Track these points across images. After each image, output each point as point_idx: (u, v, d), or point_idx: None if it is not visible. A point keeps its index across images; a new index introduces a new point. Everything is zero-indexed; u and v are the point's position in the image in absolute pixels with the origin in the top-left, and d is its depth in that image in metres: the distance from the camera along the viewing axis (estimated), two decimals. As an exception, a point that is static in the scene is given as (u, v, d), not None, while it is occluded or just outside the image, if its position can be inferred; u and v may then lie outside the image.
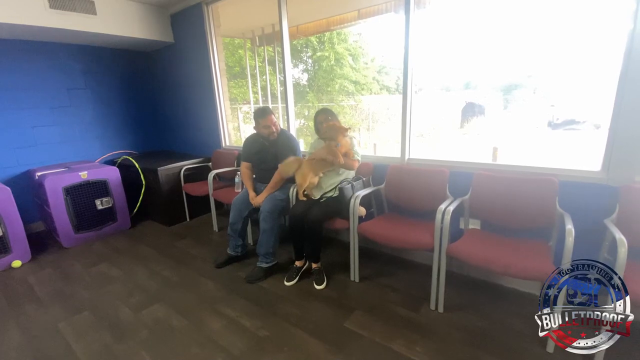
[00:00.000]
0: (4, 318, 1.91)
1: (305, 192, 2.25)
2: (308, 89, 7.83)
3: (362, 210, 2.03)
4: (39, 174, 2.86)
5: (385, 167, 2.26)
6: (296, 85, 7.89)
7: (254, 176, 2.52)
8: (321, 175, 2.20)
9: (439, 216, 1.68)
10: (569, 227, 1.41)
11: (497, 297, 1.88)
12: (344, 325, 1.72)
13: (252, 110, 6.58)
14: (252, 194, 2.34)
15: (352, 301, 1.92)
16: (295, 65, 7.69)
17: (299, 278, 2.16)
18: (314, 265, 2.16)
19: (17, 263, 2.52)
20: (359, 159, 2.13)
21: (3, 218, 2.44)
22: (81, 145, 3.58)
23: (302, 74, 7.93)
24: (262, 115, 2.26)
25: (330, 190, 2.17)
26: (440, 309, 1.77)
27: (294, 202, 2.28)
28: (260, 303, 1.94)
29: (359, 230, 1.99)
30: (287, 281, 2.12)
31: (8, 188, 2.47)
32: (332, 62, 7.06)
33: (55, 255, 2.72)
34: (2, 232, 2.45)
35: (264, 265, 2.21)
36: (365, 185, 2.22)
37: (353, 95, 7.88)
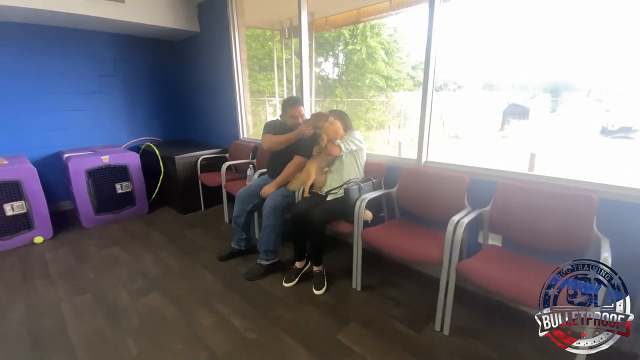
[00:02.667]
0: (15, 291, 2.01)
1: (313, 190, 2.15)
2: (337, 84, 7.66)
3: (368, 215, 1.88)
4: (66, 155, 3.00)
5: (399, 169, 2.09)
6: (326, 79, 7.76)
7: (265, 169, 2.45)
8: (326, 169, 2.08)
9: (450, 228, 1.49)
10: (605, 255, 1.18)
11: (515, 324, 1.66)
12: (337, 337, 1.60)
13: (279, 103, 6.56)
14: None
15: (350, 311, 1.79)
16: (326, 59, 7.57)
17: (298, 280, 2.06)
18: (315, 268, 2.05)
19: (39, 239, 2.65)
20: (341, 145, 1.94)
21: (28, 196, 2.57)
22: (109, 130, 3.72)
23: (333, 67, 7.79)
24: (291, 104, 2.19)
25: (336, 188, 2.04)
26: (446, 331, 1.59)
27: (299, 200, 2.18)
28: (255, 303, 1.87)
29: (363, 236, 1.85)
30: (286, 282, 2.03)
31: (34, 168, 2.60)
32: (364, 56, 6.83)
33: (74, 234, 2.85)
34: (27, 209, 2.58)
35: (264, 262, 2.14)
36: (375, 187, 2.07)
37: (385, 92, 7.59)
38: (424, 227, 1.94)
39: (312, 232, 1.92)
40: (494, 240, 1.78)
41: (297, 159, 2.19)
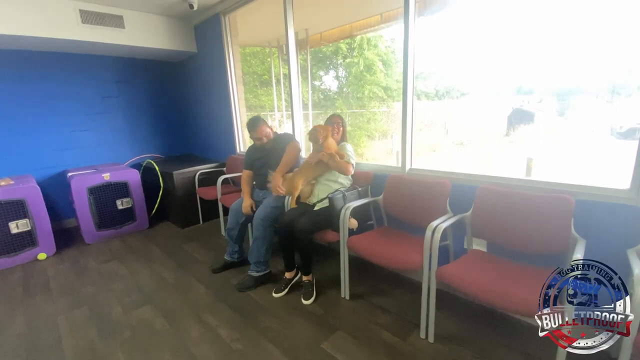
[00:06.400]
0: (16, 306, 2.08)
1: (300, 200, 2.19)
2: (338, 96, 7.78)
3: (353, 223, 1.90)
4: (69, 174, 3.12)
5: (385, 177, 2.11)
6: (327, 92, 7.90)
7: (254, 182, 2.51)
8: (313, 182, 2.12)
9: (428, 233, 1.50)
10: (578, 256, 1.18)
11: (503, 330, 1.64)
12: (321, 346, 1.60)
13: (285, 118, 6.68)
14: (247, 201, 2.31)
15: (337, 320, 1.79)
16: (327, 73, 7.74)
17: (289, 290, 2.08)
18: (304, 278, 2.07)
19: (42, 255, 2.75)
20: (353, 163, 2.01)
21: (33, 214, 2.68)
22: (113, 148, 3.86)
23: (333, 80, 7.94)
24: (252, 127, 2.28)
25: (324, 198, 2.08)
26: (431, 339, 1.58)
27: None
28: (243, 313, 1.89)
29: (349, 244, 1.86)
30: (275, 293, 2.05)
31: (38, 187, 2.71)
32: (362, 68, 6.96)
33: (76, 250, 2.94)
34: (31, 226, 2.69)
35: (255, 274, 2.17)
36: (361, 196, 2.09)
37: (385, 102, 7.66)
38: (409, 233, 1.95)
39: (299, 242, 1.95)
40: (479, 245, 1.77)
41: (291, 145, 2.25)
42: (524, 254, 1.55)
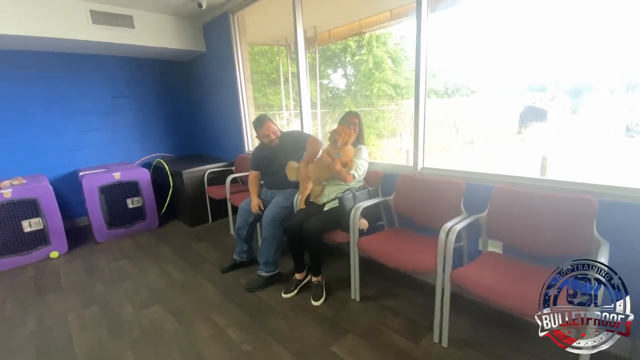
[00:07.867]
0: (28, 304, 2.10)
1: (310, 200, 2.16)
2: (344, 94, 7.73)
3: (364, 223, 1.86)
4: (81, 173, 3.15)
5: (395, 176, 2.07)
6: (334, 90, 7.86)
7: (262, 182, 2.49)
8: (324, 183, 2.09)
9: (442, 235, 1.46)
10: (602, 259, 1.12)
11: (519, 334, 1.58)
12: (331, 349, 1.57)
13: (292, 116, 6.67)
14: (254, 201, 2.29)
15: (347, 322, 1.76)
16: (335, 71, 7.69)
17: (298, 291, 2.06)
18: (313, 279, 2.04)
19: (54, 254, 2.78)
20: (355, 174, 1.97)
21: (45, 213, 2.71)
22: (124, 148, 3.89)
23: (341, 79, 7.89)
24: (259, 125, 2.25)
25: (335, 199, 2.04)
26: (444, 343, 1.54)
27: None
28: (253, 314, 1.88)
29: (359, 245, 1.83)
30: (285, 293, 2.03)
31: (50, 187, 2.75)
32: (371, 66, 6.89)
33: (88, 249, 2.96)
34: (44, 225, 2.72)
35: (264, 274, 2.15)
36: (372, 195, 2.05)
37: (394, 100, 7.58)
38: (422, 234, 1.90)
39: (309, 243, 1.92)
40: (495, 247, 1.72)
41: (312, 139, 2.23)
42: (543, 256, 1.49)
